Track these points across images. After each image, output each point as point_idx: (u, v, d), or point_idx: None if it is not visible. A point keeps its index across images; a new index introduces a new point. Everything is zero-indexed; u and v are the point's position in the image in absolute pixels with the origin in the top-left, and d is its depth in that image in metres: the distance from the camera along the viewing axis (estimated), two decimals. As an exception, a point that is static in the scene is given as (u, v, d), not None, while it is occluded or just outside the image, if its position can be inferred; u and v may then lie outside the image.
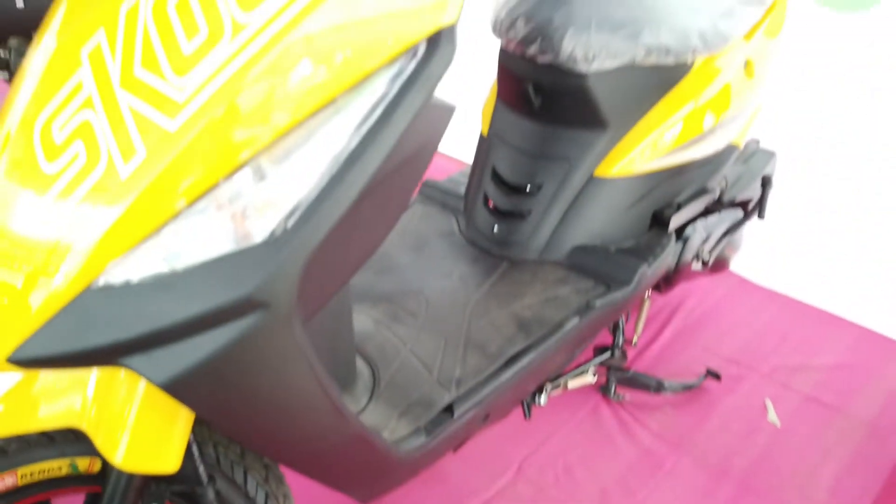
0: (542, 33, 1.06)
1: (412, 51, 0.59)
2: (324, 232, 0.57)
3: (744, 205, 1.53)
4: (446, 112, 0.68)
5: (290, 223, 0.57)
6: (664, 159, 1.23)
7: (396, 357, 1.01)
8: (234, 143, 0.55)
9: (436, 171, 1.36)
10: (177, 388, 0.58)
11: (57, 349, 0.56)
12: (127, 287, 0.56)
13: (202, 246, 0.56)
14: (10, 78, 1.97)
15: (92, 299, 0.56)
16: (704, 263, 1.45)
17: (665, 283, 1.43)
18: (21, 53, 1.93)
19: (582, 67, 1.08)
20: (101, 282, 0.56)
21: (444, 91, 0.64)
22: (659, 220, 1.28)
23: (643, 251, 1.23)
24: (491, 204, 1.27)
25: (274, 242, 0.56)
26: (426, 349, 1.03)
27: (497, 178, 1.27)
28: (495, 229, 1.26)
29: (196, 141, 0.55)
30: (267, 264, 0.56)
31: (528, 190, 1.24)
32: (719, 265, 1.59)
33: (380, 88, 0.58)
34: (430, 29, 0.59)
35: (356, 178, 0.58)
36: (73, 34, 0.58)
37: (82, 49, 0.57)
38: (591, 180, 1.20)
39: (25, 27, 1.86)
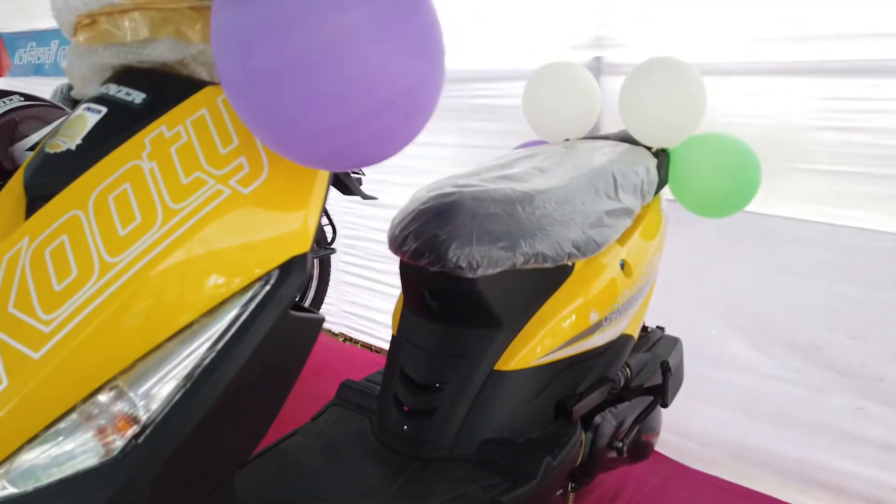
0: (429, 247, 1.19)
1: (265, 277, 0.68)
2: (176, 444, 0.62)
3: (652, 391, 1.60)
4: (314, 324, 0.76)
5: (141, 439, 0.61)
6: (559, 351, 1.31)
7: None
8: (93, 369, 0.62)
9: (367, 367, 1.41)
10: None
11: None
12: None
13: (55, 465, 0.59)
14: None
15: None
16: (619, 451, 1.47)
17: (582, 474, 1.44)
18: None
19: (468, 274, 1.20)
20: None
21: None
22: (563, 411, 1.33)
23: (548, 442, 1.26)
24: (402, 405, 1.31)
25: (123, 458, 0.60)
26: None
27: (405, 377, 1.33)
28: (405, 428, 1.29)
29: (57, 368, 0.61)
30: (117, 479, 0.59)
31: (434, 387, 1.29)
32: (640, 452, 1.62)
33: (233, 311, 0.66)
34: (283, 257, 0.69)
35: (208, 392, 0.64)
36: None
37: None
38: (491, 374, 1.27)
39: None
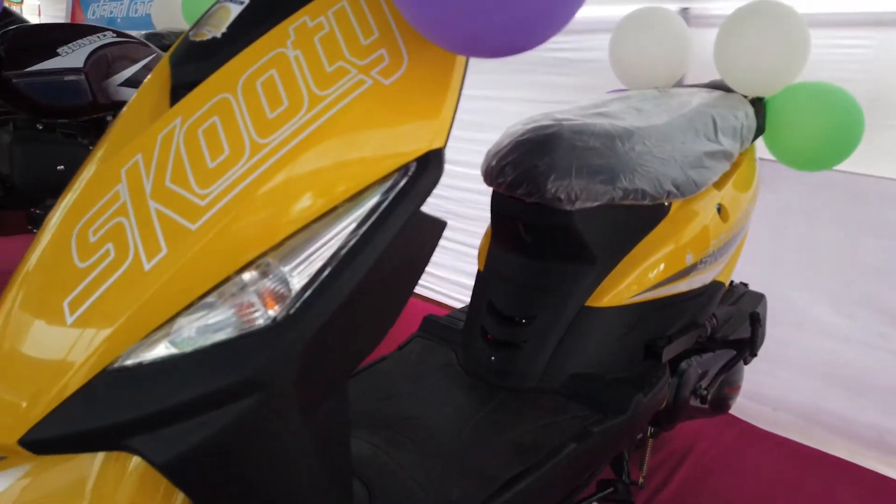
0: (527, 178, 1.19)
1: (404, 169, 0.69)
2: (322, 320, 0.63)
3: (736, 345, 1.57)
4: (438, 227, 0.77)
5: (292, 311, 0.63)
6: (652, 291, 1.29)
7: (394, 480, 1.00)
8: (246, 243, 0.63)
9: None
10: (176, 469, 0.60)
11: (67, 430, 0.60)
12: (138, 369, 0.61)
13: (210, 332, 0.62)
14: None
15: (104, 382, 0.60)
16: (703, 399, 1.46)
17: (666, 419, 1.43)
18: None
19: (566, 206, 1.19)
20: (115, 365, 0.61)
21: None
22: (652, 352, 1.32)
23: (638, 381, 1.25)
24: (489, 336, 1.32)
25: (275, 327, 0.62)
26: (424, 473, 1.03)
27: (493, 310, 1.33)
28: (492, 359, 1.30)
29: (213, 240, 0.62)
30: (268, 347, 0.61)
31: (522, 321, 1.29)
32: (720, 405, 1.59)
33: (375, 199, 0.67)
34: (420, 150, 0.69)
35: (353, 273, 0.65)
36: (115, 158, 0.69)
37: (122, 169, 0.67)
38: (582, 310, 1.26)
39: (62, 187, 2.04)
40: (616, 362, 1.29)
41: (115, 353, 0.61)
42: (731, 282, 1.74)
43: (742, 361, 1.61)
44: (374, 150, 0.68)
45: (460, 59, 0.72)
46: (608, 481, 1.34)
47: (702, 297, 1.41)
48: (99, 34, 1.98)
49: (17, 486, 0.67)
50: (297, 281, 0.64)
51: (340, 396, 0.79)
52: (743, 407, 2.03)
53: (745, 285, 1.80)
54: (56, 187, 2.01)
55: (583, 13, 2.33)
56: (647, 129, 1.29)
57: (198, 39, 0.73)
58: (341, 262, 0.65)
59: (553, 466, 1.06)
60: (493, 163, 1.25)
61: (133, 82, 2.05)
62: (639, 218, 1.29)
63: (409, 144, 0.69)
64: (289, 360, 0.62)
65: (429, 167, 0.69)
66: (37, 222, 2.11)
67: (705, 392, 1.46)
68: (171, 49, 0.76)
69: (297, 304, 0.63)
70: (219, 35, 0.71)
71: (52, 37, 1.92)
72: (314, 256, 0.65)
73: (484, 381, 1.29)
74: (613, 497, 1.33)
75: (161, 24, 3.07)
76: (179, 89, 0.73)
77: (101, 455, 0.66)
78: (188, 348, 0.61)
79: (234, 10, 0.73)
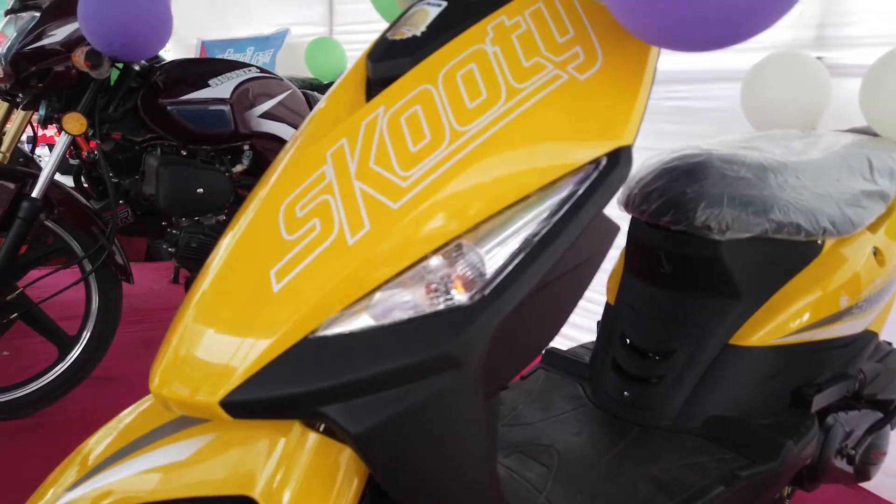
0: (675, 205, 1.16)
1: (596, 162, 0.69)
2: (513, 304, 0.63)
3: (884, 405, 1.45)
4: (613, 230, 0.76)
5: (487, 291, 0.63)
6: (802, 334, 1.22)
7: (534, 502, 0.97)
8: (443, 224, 0.64)
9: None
10: (367, 440, 0.60)
11: (266, 394, 0.61)
12: (337, 339, 0.62)
13: (408, 307, 0.62)
14: (178, 253, 2.23)
15: (304, 349, 0.62)
16: (850, 460, 1.34)
17: (809, 477, 1.32)
18: (191, 233, 2.23)
19: (715, 236, 1.15)
20: (316, 334, 0.62)
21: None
22: (799, 400, 1.23)
23: (786, 429, 1.17)
24: (622, 370, 1.28)
25: (471, 307, 0.62)
26: (562, 499, 0.99)
27: (627, 343, 1.29)
28: (625, 394, 1.25)
29: (413, 219, 0.64)
30: (464, 325, 0.61)
31: (659, 356, 1.24)
32: (864, 470, 1.46)
33: (568, 189, 0.67)
34: (612, 146, 0.69)
35: (544, 260, 0.64)
36: (319, 144, 0.73)
37: (327, 152, 0.71)
38: (726, 348, 1.20)
39: (200, 209, 2.17)
40: (760, 407, 1.21)
41: (316, 323, 0.63)
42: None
43: (889, 425, 1.48)
44: (567, 142, 0.69)
45: (652, 56, 0.72)
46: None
47: (853, 346, 1.32)
48: (245, 69, 2.14)
49: (203, 451, 0.69)
50: (492, 264, 0.64)
51: (497, 397, 0.78)
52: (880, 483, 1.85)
53: (890, 344, 1.67)
54: (194, 208, 2.15)
55: (700, 63, 2.31)
56: (799, 164, 1.24)
57: (396, 38, 0.77)
58: (534, 249, 0.65)
59: (701, 507, 1.00)
60: (636, 190, 1.23)
61: (271, 115, 2.19)
62: (790, 254, 1.23)
63: (601, 139, 0.69)
64: (482, 340, 0.62)
65: (620, 162, 0.69)
66: (172, 241, 2.25)
67: (853, 452, 1.34)
68: (368, 49, 0.80)
69: (492, 286, 0.63)
70: (418, 33, 0.75)
71: (205, 69, 2.09)
72: (509, 241, 0.65)
73: (615, 415, 1.24)
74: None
75: (283, 71, 3.31)
76: (375, 85, 0.76)
77: (279, 433, 0.67)
78: (386, 321, 0.62)
79: (433, 12, 0.76)
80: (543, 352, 1.48)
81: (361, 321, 0.62)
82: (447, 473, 0.66)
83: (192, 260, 2.21)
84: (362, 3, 4.05)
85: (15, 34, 1.87)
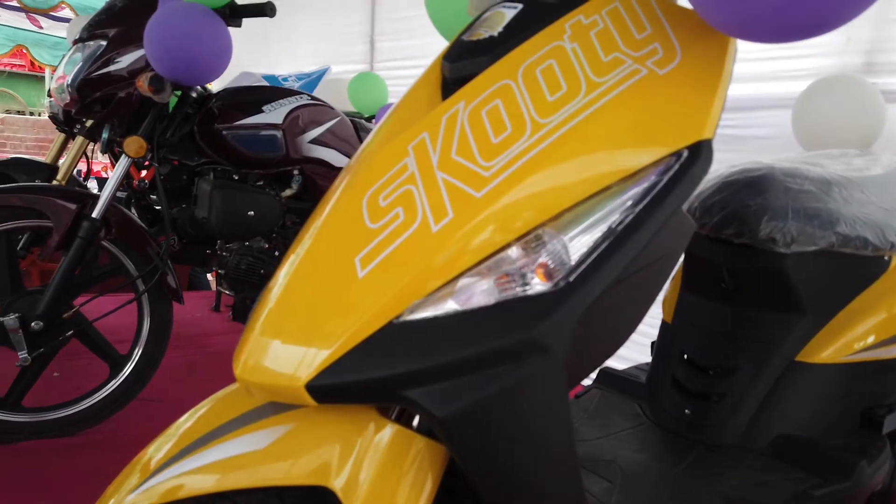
0: (737, 218, 1.15)
1: (677, 154, 0.68)
2: (597, 292, 0.62)
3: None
4: (690, 227, 0.75)
5: (571, 278, 0.62)
6: (871, 351, 1.18)
7: None
8: (526, 212, 0.65)
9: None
10: (452, 424, 0.60)
11: (351, 378, 0.61)
12: (422, 324, 0.62)
13: (492, 293, 0.62)
14: (227, 275, 2.27)
15: (388, 334, 0.62)
16: (925, 487, 1.27)
17: (879, 503, 1.26)
18: (241, 255, 2.26)
19: (780, 249, 1.13)
20: (400, 319, 0.63)
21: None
22: (869, 421, 1.19)
23: (857, 449, 1.12)
24: (683, 388, 1.25)
25: (557, 293, 0.62)
26: None
27: (687, 361, 1.26)
28: (686, 412, 1.22)
29: (496, 208, 0.65)
30: (551, 311, 0.61)
31: (721, 373, 1.21)
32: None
33: (650, 179, 0.67)
34: (691, 139, 0.69)
35: (627, 250, 0.64)
36: (399, 138, 0.74)
37: (409, 145, 0.72)
38: (793, 365, 1.17)
39: (249, 232, 2.21)
40: (829, 426, 1.17)
41: (400, 308, 0.63)
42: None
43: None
44: (647, 134, 0.69)
45: (731, 52, 0.72)
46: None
47: (926, 366, 1.27)
48: (297, 96, 2.20)
49: (280, 442, 0.69)
50: (576, 251, 0.64)
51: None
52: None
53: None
54: (244, 231, 2.18)
55: (746, 90, 2.30)
56: (863, 179, 1.22)
57: (473, 39, 0.79)
58: (617, 238, 0.65)
59: (775, 525, 0.96)
60: (696, 203, 1.22)
61: (320, 141, 2.24)
62: (856, 269, 1.20)
63: (681, 132, 0.69)
64: (568, 326, 0.61)
65: (701, 156, 0.69)
66: (221, 264, 2.29)
67: (928, 479, 1.28)
68: (444, 50, 0.82)
69: (577, 273, 0.63)
70: (495, 34, 0.77)
71: (259, 96, 2.15)
72: (592, 229, 0.65)
73: (676, 433, 1.21)
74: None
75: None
76: (453, 84, 0.78)
77: (356, 423, 0.67)
78: (471, 306, 0.62)
79: (509, 14, 0.78)
80: (597, 371, 1.46)
81: (446, 306, 0.62)
82: (531, 460, 0.65)
83: (241, 282, 2.24)
84: (401, 41, 4.16)
85: (81, 62, 1.96)
